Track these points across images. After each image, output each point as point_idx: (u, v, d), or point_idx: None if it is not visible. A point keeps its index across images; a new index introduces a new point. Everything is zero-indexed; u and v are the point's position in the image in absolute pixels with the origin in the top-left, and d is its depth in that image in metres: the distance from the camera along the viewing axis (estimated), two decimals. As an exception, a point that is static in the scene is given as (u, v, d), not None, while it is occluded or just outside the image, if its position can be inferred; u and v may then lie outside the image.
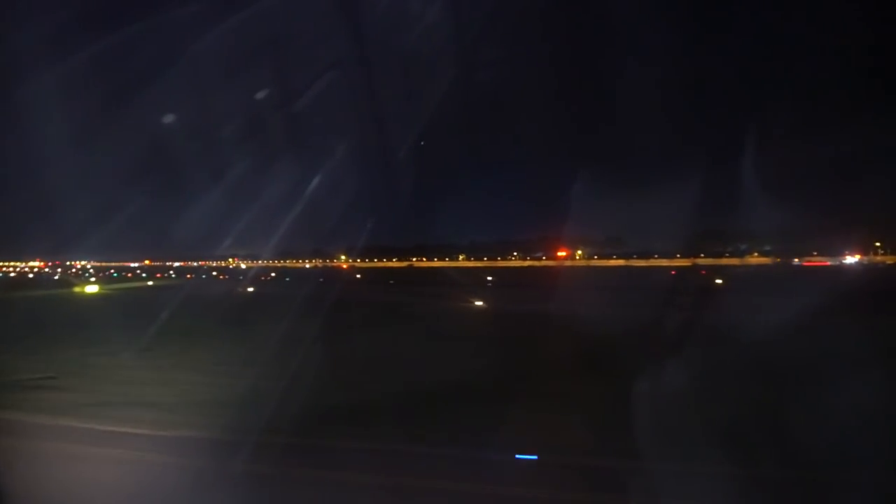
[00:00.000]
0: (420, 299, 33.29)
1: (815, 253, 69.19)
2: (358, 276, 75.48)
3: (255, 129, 31.04)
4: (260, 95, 26.92)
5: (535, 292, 35.17)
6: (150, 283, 65.21)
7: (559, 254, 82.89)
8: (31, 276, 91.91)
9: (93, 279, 74.31)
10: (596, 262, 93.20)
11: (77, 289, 53.18)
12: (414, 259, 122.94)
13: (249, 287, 50.73)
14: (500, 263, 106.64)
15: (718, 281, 40.09)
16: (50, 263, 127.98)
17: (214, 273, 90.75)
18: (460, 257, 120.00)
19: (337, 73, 25.33)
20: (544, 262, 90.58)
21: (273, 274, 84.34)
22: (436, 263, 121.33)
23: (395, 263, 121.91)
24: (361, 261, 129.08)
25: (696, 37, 54.40)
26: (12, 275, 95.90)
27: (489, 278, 58.61)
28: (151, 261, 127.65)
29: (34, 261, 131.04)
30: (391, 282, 55.03)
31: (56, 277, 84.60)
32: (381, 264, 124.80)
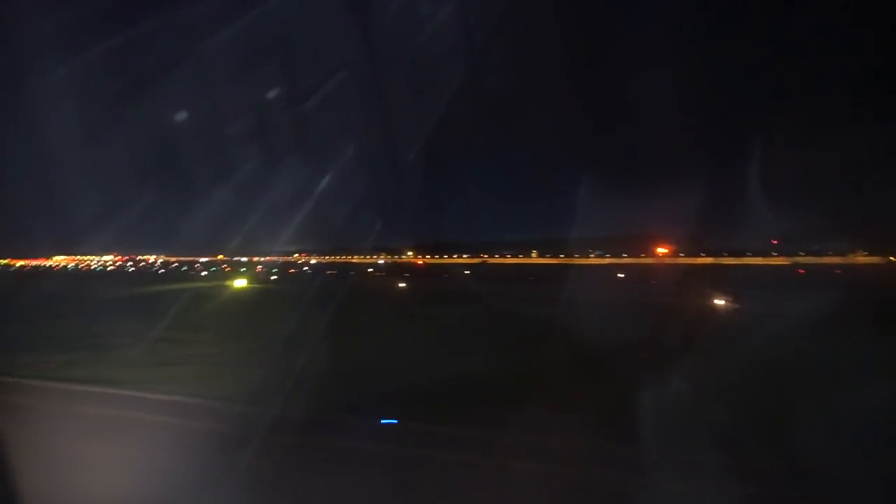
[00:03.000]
0: (649, 299, 32.99)
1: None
2: (467, 272, 75.97)
3: (304, 125, 31.22)
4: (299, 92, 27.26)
5: (738, 289, 34.35)
6: (273, 277, 66.17)
7: (659, 250, 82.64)
8: (131, 270, 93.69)
9: (204, 273, 75.76)
10: (684, 260, 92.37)
11: (229, 283, 54.13)
12: (485, 255, 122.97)
13: (401, 283, 51.46)
14: (579, 261, 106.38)
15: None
16: (125, 258, 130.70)
17: (306, 268, 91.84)
18: (533, 253, 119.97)
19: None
20: (640, 259, 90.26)
21: (370, 269, 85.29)
22: (509, 260, 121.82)
23: (465, 260, 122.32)
24: (431, 256, 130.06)
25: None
26: (110, 268, 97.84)
27: (620, 275, 58.68)
28: (224, 255, 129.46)
29: (108, 254, 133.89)
30: (530, 278, 55.28)
31: (161, 271, 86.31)
32: (450, 260, 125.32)
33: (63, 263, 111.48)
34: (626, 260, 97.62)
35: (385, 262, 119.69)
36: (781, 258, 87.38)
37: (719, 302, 30.30)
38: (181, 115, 30.57)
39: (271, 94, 28.86)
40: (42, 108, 27.54)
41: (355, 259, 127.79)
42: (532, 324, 19.95)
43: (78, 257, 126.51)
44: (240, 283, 53.55)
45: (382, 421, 10.91)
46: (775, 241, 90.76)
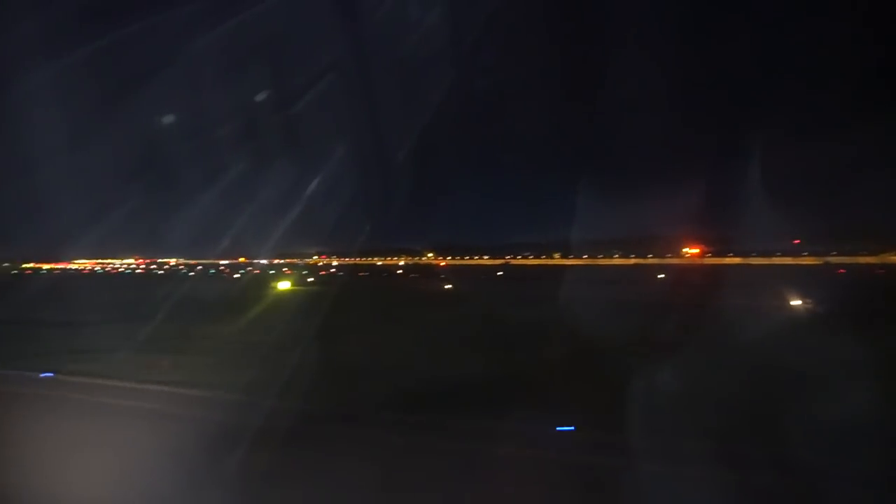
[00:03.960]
0: (728, 301, 31.17)
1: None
2: (498, 273, 75.95)
3: (316, 126, 31.04)
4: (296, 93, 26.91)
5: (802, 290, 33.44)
6: (310, 279, 66.11)
7: (688, 251, 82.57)
8: (160, 272, 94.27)
9: (236, 276, 76.01)
10: (713, 260, 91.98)
11: (273, 285, 54.07)
12: (508, 257, 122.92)
13: (447, 285, 51.53)
14: (603, 261, 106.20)
15: None
16: (147, 261, 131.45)
17: (333, 269, 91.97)
18: (555, 255, 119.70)
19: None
20: (666, 260, 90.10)
21: (399, 270, 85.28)
22: (531, 261, 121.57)
23: (487, 261, 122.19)
24: (452, 258, 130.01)
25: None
26: (138, 271, 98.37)
27: (660, 276, 58.53)
28: (246, 258, 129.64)
29: (129, 258, 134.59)
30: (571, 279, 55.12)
31: (191, 273, 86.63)
32: (472, 262, 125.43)
33: (89, 267, 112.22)
34: (651, 260, 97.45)
35: (408, 263, 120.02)
36: (811, 258, 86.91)
37: (797, 303, 29.63)
38: (192, 120, 30.65)
39: (279, 96, 28.78)
40: (43, 110, 27.47)
41: (377, 261, 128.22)
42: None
43: (99, 261, 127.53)
44: (283, 285, 53.52)
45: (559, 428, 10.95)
46: (797, 242, 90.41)
